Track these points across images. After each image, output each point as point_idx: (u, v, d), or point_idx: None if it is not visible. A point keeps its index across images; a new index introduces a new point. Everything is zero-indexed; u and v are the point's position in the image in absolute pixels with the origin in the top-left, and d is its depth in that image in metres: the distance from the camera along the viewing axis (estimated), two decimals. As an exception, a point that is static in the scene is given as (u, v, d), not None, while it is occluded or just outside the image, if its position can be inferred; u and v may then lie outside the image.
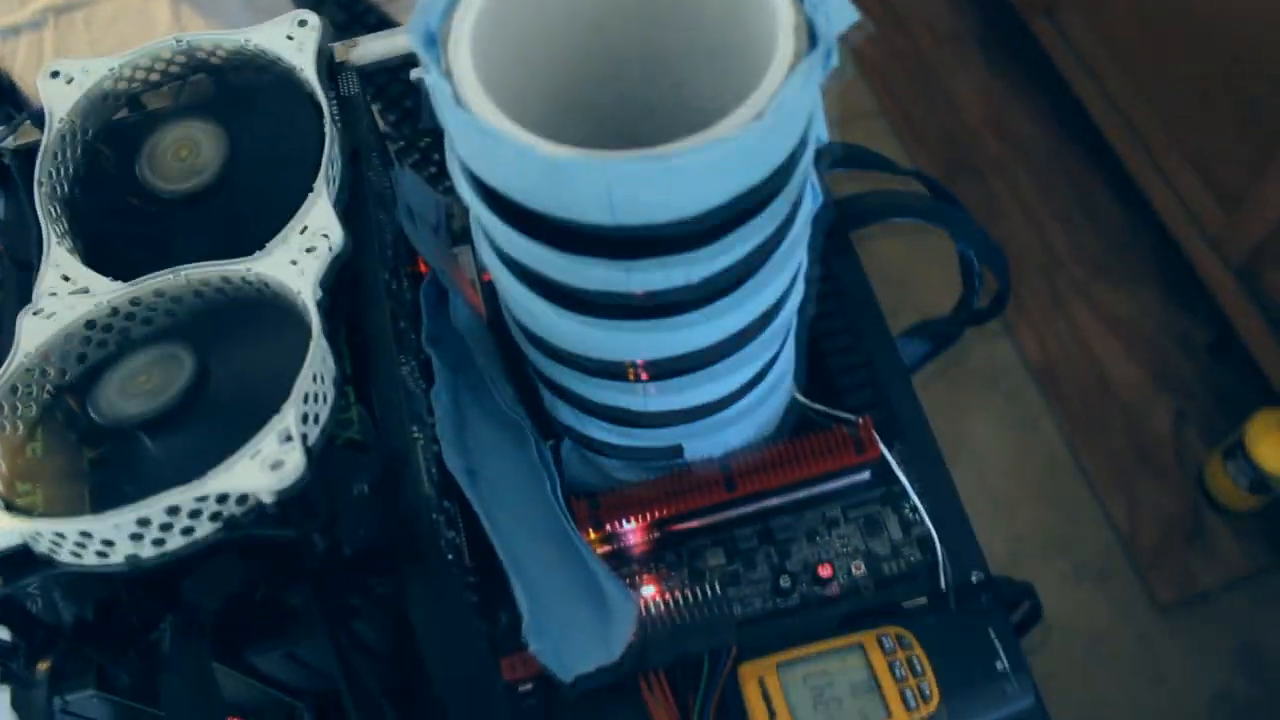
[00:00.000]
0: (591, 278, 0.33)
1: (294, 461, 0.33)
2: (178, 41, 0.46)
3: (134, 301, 0.41)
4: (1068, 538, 1.05)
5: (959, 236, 0.52)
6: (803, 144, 0.33)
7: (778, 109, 0.29)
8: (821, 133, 0.35)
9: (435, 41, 0.32)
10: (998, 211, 1.25)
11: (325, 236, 0.41)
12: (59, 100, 0.45)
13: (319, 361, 0.37)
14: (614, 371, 0.40)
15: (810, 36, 0.31)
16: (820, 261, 0.48)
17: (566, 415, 0.47)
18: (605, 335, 0.37)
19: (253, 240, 0.42)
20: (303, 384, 0.36)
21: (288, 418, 0.34)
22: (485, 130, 0.29)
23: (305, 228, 0.42)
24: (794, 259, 0.39)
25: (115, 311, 0.41)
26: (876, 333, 0.49)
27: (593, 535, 0.46)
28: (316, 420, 0.36)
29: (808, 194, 0.37)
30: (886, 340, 0.49)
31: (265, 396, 0.36)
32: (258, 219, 0.43)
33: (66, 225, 0.44)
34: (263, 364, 0.39)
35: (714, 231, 0.32)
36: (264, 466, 0.32)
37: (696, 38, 0.37)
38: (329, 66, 0.47)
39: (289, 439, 0.33)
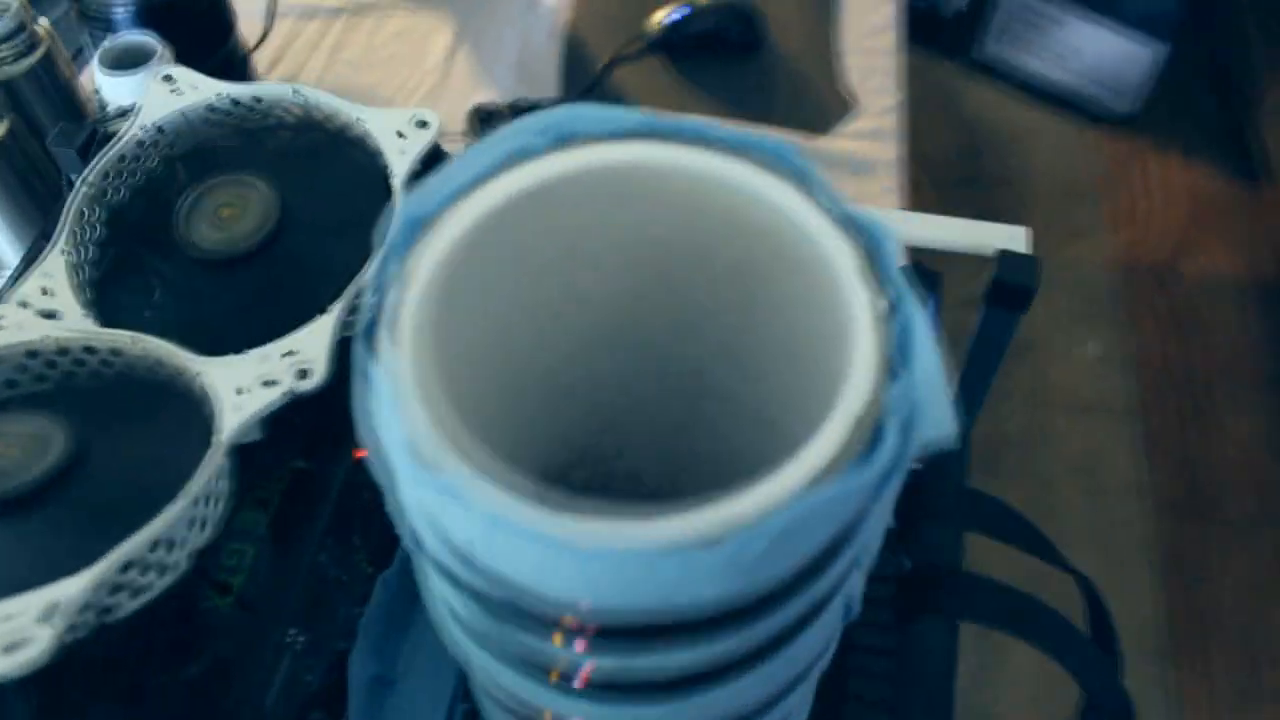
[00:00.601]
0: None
1: (37, 648, 0.26)
2: (294, 93, 0.41)
3: (88, 350, 0.35)
4: None
5: (1086, 682, 0.39)
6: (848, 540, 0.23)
7: (810, 508, 0.19)
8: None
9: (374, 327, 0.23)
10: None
11: (304, 374, 0.34)
12: (157, 105, 0.41)
13: (185, 507, 0.30)
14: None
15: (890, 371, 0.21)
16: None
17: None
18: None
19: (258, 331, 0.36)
20: (147, 532, 0.29)
21: (73, 585, 0.27)
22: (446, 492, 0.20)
23: (291, 351, 0.35)
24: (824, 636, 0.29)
25: (64, 352, 0.35)
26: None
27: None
28: (139, 588, 0.29)
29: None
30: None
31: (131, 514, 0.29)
32: (273, 311, 0.37)
33: (90, 235, 0.39)
34: (148, 476, 0.32)
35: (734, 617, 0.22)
36: (-3, 645, 0.25)
37: (739, 335, 0.28)
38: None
39: (51, 613, 0.26)
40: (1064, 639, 0.41)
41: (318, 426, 0.37)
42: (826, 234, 0.23)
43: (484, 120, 0.64)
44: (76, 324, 0.36)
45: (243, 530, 0.35)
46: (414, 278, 0.23)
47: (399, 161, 0.39)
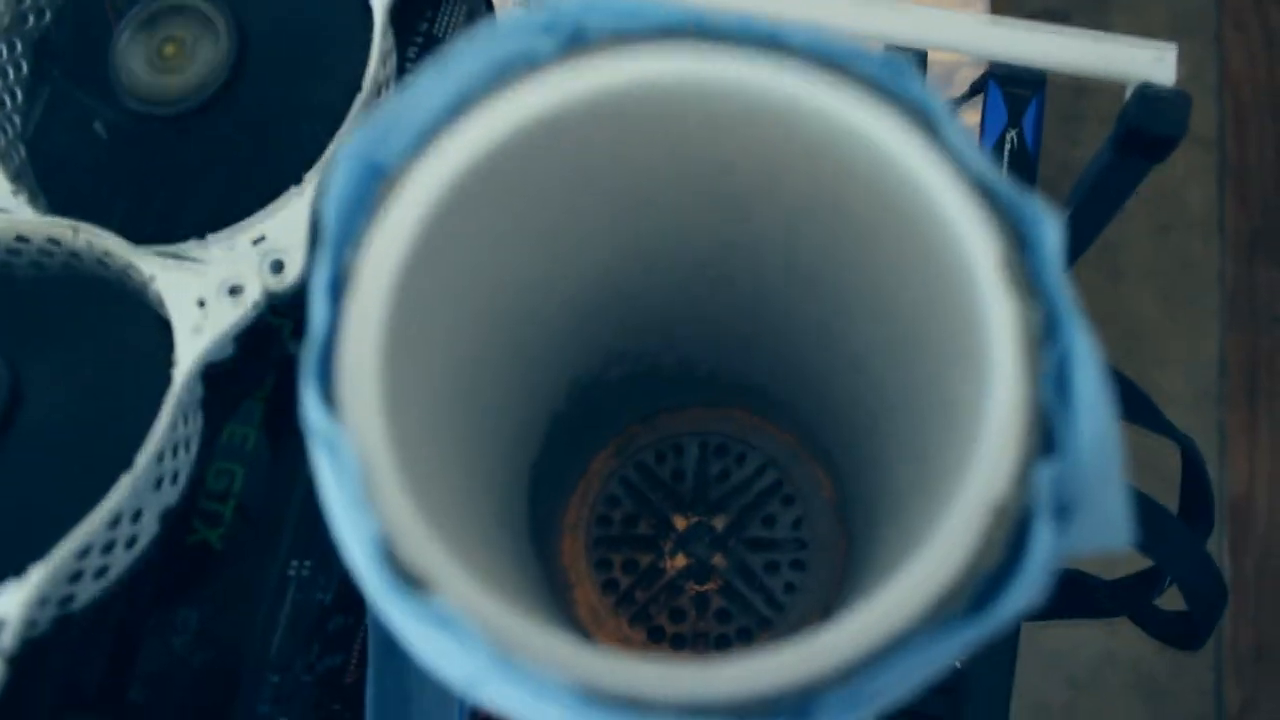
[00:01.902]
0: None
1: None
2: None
3: (20, 239, 0.29)
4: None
5: (1171, 565, 0.35)
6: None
7: (922, 659, 0.14)
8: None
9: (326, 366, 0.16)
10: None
11: (278, 266, 0.28)
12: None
13: (147, 467, 0.25)
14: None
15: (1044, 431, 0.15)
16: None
17: None
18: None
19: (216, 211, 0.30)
20: (103, 510, 0.24)
21: (17, 595, 0.23)
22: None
23: (261, 236, 0.29)
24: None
25: (-8, 243, 0.29)
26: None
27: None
28: (102, 568, 0.25)
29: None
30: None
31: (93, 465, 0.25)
32: (233, 184, 0.31)
33: (11, 78, 0.32)
34: (101, 413, 0.27)
35: None
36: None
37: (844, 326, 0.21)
38: None
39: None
40: (1151, 522, 0.36)
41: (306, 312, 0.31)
42: (957, 206, 0.16)
43: None
44: (5, 201, 0.30)
45: (229, 447, 0.31)
46: (376, 276, 0.17)
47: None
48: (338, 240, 0.17)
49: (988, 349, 0.16)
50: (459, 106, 0.18)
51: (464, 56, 0.18)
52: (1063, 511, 0.15)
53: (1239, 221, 0.98)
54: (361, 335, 0.16)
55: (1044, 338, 0.16)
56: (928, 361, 0.19)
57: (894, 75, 0.17)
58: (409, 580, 0.15)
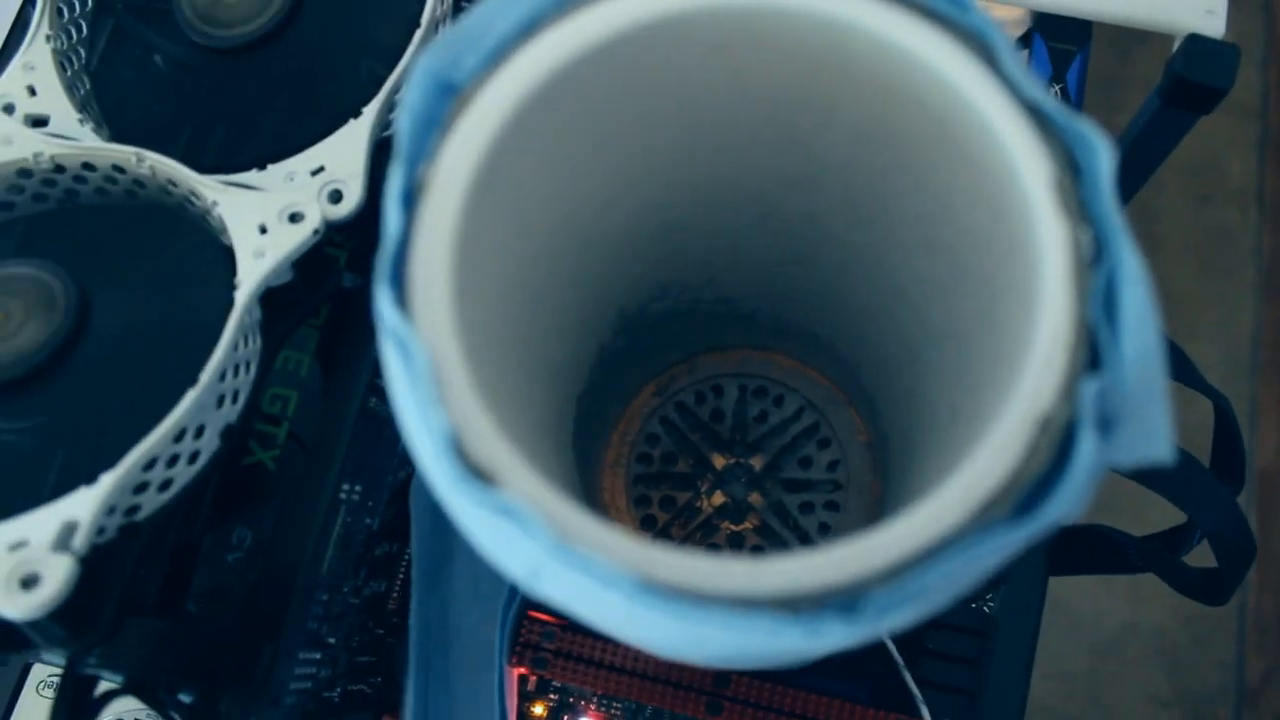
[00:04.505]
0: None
1: (56, 581, 0.23)
2: None
3: (87, 166, 0.30)
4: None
5: (1202, 517, 0.36)
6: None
7: (970, 559, 0.14)
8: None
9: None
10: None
11: (337, 196, 0.29)
12: None
13: (210, 385, 0.26)
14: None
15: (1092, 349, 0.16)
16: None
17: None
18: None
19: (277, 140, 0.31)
20: (169, 423, 0.25)
21: (89, 500, 0.24)
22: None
23: (320, 167, 0.30)
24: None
25: (60, 170, 0.30)
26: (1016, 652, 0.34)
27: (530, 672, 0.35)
28: (166, 481, 0.26)
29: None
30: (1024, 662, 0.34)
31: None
32: (294, 115, 0.31)
33: (76, 11, 0.33)
34: (166, 331, 0.28)
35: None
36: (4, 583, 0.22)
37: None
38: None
39: (69, 536, 0.23)
40: (1184, 474, 0.36)
41: (363, 241, 0.32)
42: (1012, 130, 0.17)
43: None
44: (71, 130, 0.31)
45: (284, 372, 0.32)
46: (449, 186, 0.17)
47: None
48: (411, 154, 0.18)
49: (1038, 270, 0.16)
50: (529, 28, 0.18)
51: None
52: (1106, 424, 0.15)
53: (1278, 193, 0.97)
54: (433, 242, 0.17)
55: (1093, 259, 0.16)
56: (976, 289, 0.20)
57: (952, 3, 0.17)
58: (477, 473, 0.16)
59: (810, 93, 0.19)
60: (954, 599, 0.16)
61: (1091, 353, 0.16)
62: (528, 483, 0.16)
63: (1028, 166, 0.16)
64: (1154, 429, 0.15)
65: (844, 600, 0.15)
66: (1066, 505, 0.15)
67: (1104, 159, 0.16)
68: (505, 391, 0.19)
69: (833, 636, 0.15)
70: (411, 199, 0.17)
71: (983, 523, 0.15)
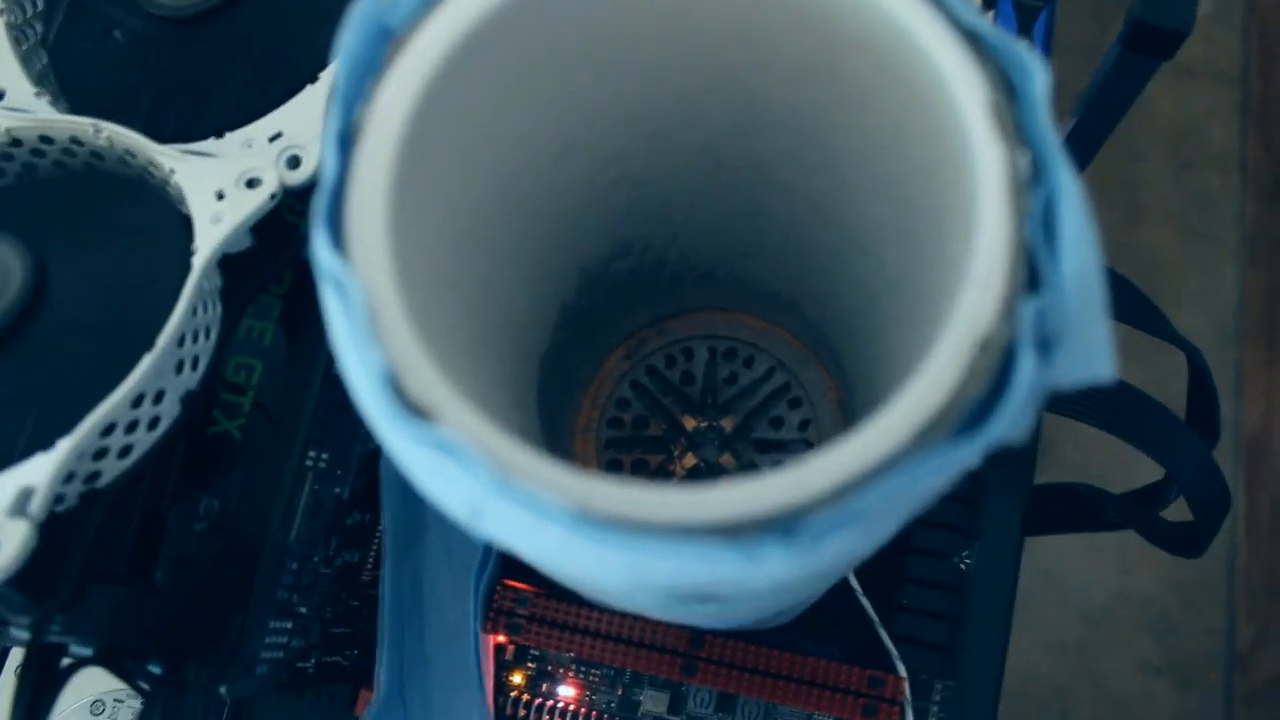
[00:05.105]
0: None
1: (13, 546, 0.22)
2: None
3: (44, 139, 0.30)
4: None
5: (1176, 469, 0.36)
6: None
7: (909, 480, 0.14)
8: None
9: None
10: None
11: (294, 161, 0.29)
12: None
13: (167, 349, 0.26)
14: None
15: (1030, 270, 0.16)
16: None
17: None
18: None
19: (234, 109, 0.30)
20: (126, 387, 0.25)
21: (45, 466, 0.23)
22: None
23: (279, 133, 0.29)
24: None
25: (17, 144, 0.30)
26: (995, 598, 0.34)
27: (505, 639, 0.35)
28: (126, 448, 0.26)
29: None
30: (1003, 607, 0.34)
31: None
32: (251, 82, 0.31)
33: (31, -15, 0.32)
34: (124, 301, 0.28)
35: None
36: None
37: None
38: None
39: (26, 501, 0.23)
40: (1158, 427, 0.36)
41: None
42: (947, 55, 0.17)
43: None
44: (28, 103, 0.31)
45: (249, 342, 0.31)
46: (384, 128, 0.17)
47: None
48: (348, 97, 0.17)
49: (976, 193, 0.16)
50: (463, -31, 0.18)
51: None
52: (1046, 344, 0.15)
53: (1260, 160, 0.97)
54: (368, 183, 0.17)
55: (1031, 181, 0.16)
56: (927, 229, 0.20)
57: (887, -70, 0.17)
58: (414, 410, 0.16)
59: (752, 30, 0.19)
60: (898, 524, 0.16)
61: (1031, 275, 0.16)
62: (466, 419, 0.16)
63: (964, 91, 0.16)
64: (1094, 348, 0.15)
65: (785, 523, 0.15)
66: (1006, 425, 0.15)
67: (1039, 81, 0.16)
68: (455, 336, 0.19)
69: (772, 563, 0.15)
70: (347, 141, 0.17)
71: (923, 444, 0.15)
